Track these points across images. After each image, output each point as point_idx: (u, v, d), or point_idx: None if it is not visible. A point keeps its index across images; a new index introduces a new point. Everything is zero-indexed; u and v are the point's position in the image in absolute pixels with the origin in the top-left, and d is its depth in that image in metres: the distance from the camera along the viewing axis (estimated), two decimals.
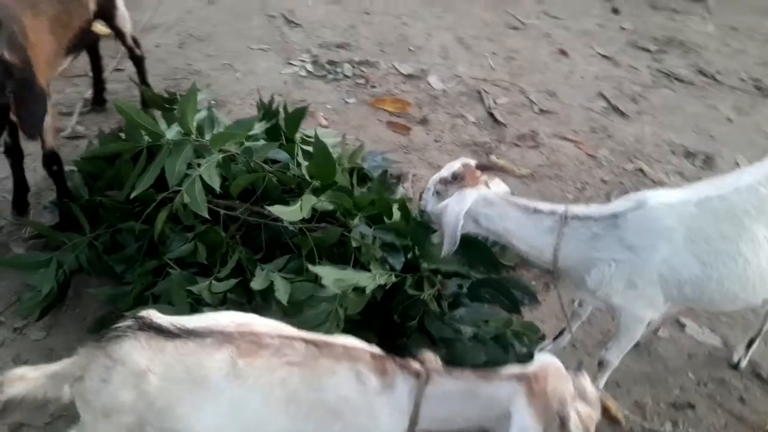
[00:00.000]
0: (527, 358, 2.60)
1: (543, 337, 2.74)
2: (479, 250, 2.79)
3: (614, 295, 2.11)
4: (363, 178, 3.18)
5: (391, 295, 2.50)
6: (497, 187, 2.31)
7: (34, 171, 3.05)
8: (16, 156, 2.87)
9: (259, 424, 1.68)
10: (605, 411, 2.58)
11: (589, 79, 4.74)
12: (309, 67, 4.41)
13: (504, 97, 4.40)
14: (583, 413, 1.65)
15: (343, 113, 4.03)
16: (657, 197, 2.08)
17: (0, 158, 3.05)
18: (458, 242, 2.20)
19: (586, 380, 1.73)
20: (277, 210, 2.45)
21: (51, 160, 2.78)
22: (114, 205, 2.71)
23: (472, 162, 2.30)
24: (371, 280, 2.29)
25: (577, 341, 2.78)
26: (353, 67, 4.46)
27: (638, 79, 4.82)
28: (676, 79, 4.88)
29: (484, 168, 2.28)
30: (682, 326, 3.00)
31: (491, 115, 4.19)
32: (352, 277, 2.30)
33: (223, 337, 1.67)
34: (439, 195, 2.33)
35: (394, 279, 2.36)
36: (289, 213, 2.45)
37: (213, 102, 3.73)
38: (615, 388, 2.69)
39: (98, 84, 3.78)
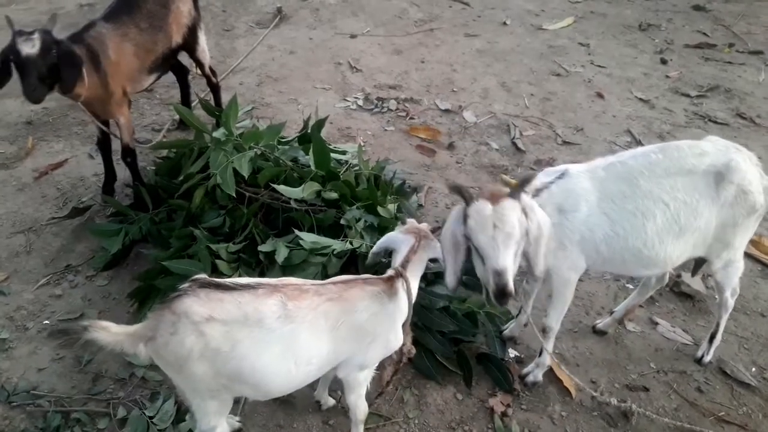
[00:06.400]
0: (495, 334, 3.02)
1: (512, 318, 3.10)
2: None
3: (549, 254, 2.45)
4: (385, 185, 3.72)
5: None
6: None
7: (122, 167, 3.87)
8: (105, 148, 3.71)
9: (308, 352, 1.99)
10: (559, 381, 2.86)
11: (620, 118, 5.01)
12: (360, 102, 5.10)
13: (531, 130, 4.79)
14: None
15: (380, 138, 4.63)
16: (574, 166, 2.47)
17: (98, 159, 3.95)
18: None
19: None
20: (282, 189, 3.07)
21: (126, 153, 3.60)
22: (170, 188, 3.45)
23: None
24: (343, 245, 2.81)
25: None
26: (398, 103, 5.08)
27: (671, 119, 5.02)
28: (710, 120, 5.03)
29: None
30: (655, 324, 3.19)
31: (514, 144, 4.60)
32: (327, 242, 2.83)
33: (272, 287, 1.98)
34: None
35: (364, 246, 2.85)
36: (292, 192, 3.06)
37: (254, 116, 4.46)
38: (573, 368, 2.93)
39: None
